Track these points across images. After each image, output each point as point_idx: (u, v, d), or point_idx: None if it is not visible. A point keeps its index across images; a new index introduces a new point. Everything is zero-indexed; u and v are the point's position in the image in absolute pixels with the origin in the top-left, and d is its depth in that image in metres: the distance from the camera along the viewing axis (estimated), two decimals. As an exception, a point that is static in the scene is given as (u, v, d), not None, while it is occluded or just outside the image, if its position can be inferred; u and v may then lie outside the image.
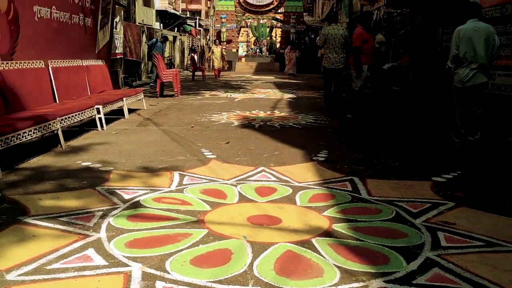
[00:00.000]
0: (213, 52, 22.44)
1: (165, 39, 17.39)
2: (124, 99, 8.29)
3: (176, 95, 12.56)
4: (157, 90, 12.83)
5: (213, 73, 22.56)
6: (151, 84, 15.57)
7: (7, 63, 5.80)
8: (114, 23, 12.16)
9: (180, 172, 4.68)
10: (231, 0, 31.44)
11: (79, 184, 4.24)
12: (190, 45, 32.89)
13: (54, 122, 5.58)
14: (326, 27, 9.78)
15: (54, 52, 7.24)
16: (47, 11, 6.90)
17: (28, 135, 5.02)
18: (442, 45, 10.02)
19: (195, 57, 21.75)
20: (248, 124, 7.89)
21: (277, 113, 9.42)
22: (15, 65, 5.97)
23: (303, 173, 4.74)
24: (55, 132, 5.70)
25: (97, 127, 7.10)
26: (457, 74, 6.03)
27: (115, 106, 7.92)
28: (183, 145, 6.07)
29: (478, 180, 4.59)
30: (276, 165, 5.05)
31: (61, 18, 7.42)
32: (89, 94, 8.10)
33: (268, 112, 9.48)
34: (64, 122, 5.94)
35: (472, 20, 5.98)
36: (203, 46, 34.60)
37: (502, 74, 8.10)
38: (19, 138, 4.84)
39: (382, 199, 3.92)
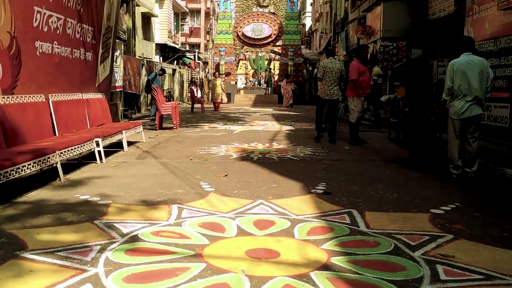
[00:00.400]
0: (213, 84, 22.65)
1: (163, 71, 17.62)
2: (123, 132, 8.34)
3: (175, 127, 12.64)
4: (156, 122, 12.91)
5: (212, 106, 22.72)
6: (152, 117, 15.68)
7: (8, 97, 5.87)
8: (115, 56, 12.34)
9: (179, 205, 4.69)
10: (229, 33, 31.99)
11: (77, 218, 4.24)
12: (190, 78, 33.27)
13: (54, 156, 5.61)
14: (324, 60, 10.11)
15: (55, 86, 7.33)
16: (49, 46, 7.02)
17: (27, 168, 5.04)
18: (437, 77, 10.18)
19: (195, 89, 21.93)
20: (246, 156, 7.92)
21: (275, 145, 9.47)
22: (16, 99, 6.04)
23: (301, 205, 4.74)
24: (54, 165, 5.72)
25: (96, 160, 7.12)
26: (453, 107, 6.11)
27: (114, 139, 7.96)
28: (181, 178, 6.08)
29: (476, 212, 4.59)
30: (274, 197, 5.06)
31: (63, 53, 7.54)
32: (89, 127, 8.16)
33: (267, 145, 9.52)
34: (63, 155, 5.97)
35: (466, 53, 6.11)
36: (202, 79, 35.00)
37: (498, 105, 8.21)
38: (18, 172, 4.86)
39: (381, 231, 3.91)
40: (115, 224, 4.03)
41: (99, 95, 9.34)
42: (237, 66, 34.24)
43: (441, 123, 7.46)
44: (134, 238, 3.68)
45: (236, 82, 33.35)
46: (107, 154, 7.75)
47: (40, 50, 6.76)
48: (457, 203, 4.86)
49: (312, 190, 5.40)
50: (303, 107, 25.32)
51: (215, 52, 32.72)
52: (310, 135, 11.12)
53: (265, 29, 32.08)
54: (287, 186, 5.65)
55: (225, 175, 6.23)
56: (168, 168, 6.73)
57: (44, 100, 6.81)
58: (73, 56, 8.04)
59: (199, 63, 37.93)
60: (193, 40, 42.79)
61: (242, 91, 34.23)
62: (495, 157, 7.36)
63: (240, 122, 15.35)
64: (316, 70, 12.49)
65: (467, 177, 6.08)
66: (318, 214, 4.43)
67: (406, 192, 5.40)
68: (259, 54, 33.63)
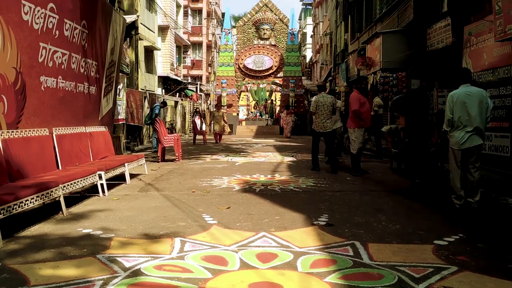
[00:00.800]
0: (214, 116, 22.62)
1: (164, 104, 17.77)
2: (126, 164, 8.38)
3: (177, 159, 12.68)
4: (158, 154, 12.96)
5: (213, 137, 22.73)
6: (154, 149, 15.74)
7: (12, 131, 5.94)
8: (118, 90, 12.49)
9: (181, 239, 4.68)
10: (231, 66, 32.41)
11: (79, 252, 4.23)
12: (194, 108, 33.48)
13: (56, 190, 5.63)
14: (317, 96, 10.63)
15: (59, 120, 7.41)
16: (53, 81, 7.13)
17: (30, 202, 5.05)
18: (438, 108, 10.27)
19: (198, 120, 21.92)
20: (248, 188, 7.92)
21: (277, 176, 9.48)
22: (20, 134, 6.10)
23: (304, 238, 4.73)
24: (57, 199, 5.74)
25: (98, 193, 7.13)
26: (453, 137, 6.15)
27: (117, 172, 7.99)
28: (184, 210, 6.08)
29: (480, 243, 4.57)
30: (277, 230, 5.05)
31: (67, 87, 7.65)
32: (92, 160, 8.20)
33: (269, 176, 9.53)
34: (66, 188, 6.00)
35: (464, 85, 6.19)
36: (204, 110, 35.25)
37: (499, 135, 8.25)
38: (21, 206, 4.88)
39: (384, 263, 3.90)
40: (118, 258, 4.02)
41: (102, 128, 9.42)
42: (238, 98, 34.49)
43: (442, 153, 7.49)
44: (137, 273, 3.67)
45: (238, 114, 33.54)
46: (110, 186, 7.77)
47: (45, 85, 6.87)
48: (460, 234, 4.84)
49: (315, 222, 5.39)
50: (304, 137, 25.40)
51: (217, 84, 33.09)
52: (311, 166, 11.13)
53: (266, 61, 32.46)
54: (290, 218, 5.64)
55: (228, 208, 6.23)
56: (171, 201, 6.74)
57: (47, 133, 6.87)
58: (77, 90, 8.15)
59: (201, 95, 38.30)
60: (195, 72, 43.31)
61: (244, 122, 34.39)
62: (498, 186, 7.35)
63: (242, 153, 15.39)
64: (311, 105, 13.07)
65: (470, 207, 6.07)
66: (321, 247, 4.41)
67: (409, 223, 5.38)
68: (261, 86, 33.89)
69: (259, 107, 37.39)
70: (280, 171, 10.48)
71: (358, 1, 21.09)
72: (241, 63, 32.48)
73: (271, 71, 32.62)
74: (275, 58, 32.45)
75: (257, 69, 32.40)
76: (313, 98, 10.71)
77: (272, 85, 34.15)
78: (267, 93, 34.43)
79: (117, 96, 12.65)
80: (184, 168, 11.11)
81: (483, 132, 6.15)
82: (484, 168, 7.20)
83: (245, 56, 32.56)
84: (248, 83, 34.01)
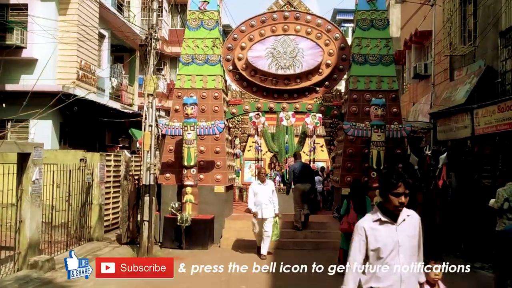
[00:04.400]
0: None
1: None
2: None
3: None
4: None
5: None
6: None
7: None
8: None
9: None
10: (214, 62, 12.30)
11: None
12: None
13: None
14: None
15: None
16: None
17: None
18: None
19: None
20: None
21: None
22: None
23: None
24: None
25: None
26: None
27: None
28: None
29: None
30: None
31: None
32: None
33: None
34: None
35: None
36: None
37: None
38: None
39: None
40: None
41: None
42: (232, 144, 15.22)
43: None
44: None
45: (229, 188, 11.52)
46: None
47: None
48: None
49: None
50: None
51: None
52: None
53: (304, 52, 11.09)
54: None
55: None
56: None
57: None
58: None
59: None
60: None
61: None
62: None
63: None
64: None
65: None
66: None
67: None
68: (284, 122, 12.14)
69: (279, 163, 15.78)
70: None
71: None
72: (240, 58, 11.26)
73: (312, 80, 11.30)
74: (326, 45, 11.19)
75: (280, 72, 11.10)
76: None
77: (312, 119, 12.80)
78: (295, 139, 15.64)
79: None
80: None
81: None
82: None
83: (250, 40, 11.30)
84: (257, 113, 12.08)
